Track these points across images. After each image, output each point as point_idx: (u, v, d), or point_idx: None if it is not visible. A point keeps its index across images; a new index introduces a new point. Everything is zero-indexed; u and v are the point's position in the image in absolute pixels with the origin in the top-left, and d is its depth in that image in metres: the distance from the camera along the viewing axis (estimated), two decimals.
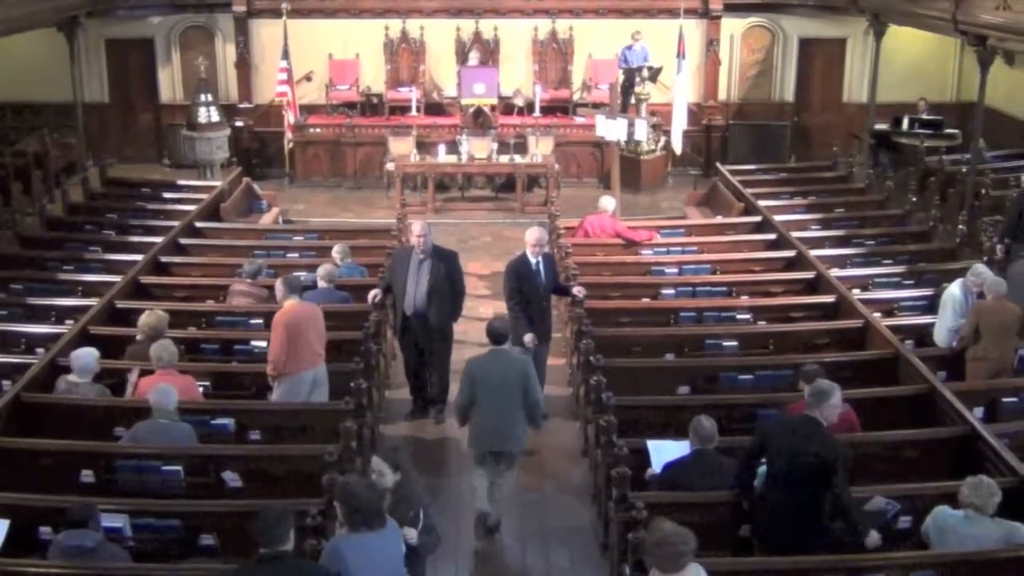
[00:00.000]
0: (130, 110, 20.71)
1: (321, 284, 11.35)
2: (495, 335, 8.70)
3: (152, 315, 9.62)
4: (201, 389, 9.29)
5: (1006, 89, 18.60)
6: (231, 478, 7.98)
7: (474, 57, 19.55)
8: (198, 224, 14.88)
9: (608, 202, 14.02)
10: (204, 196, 16.16)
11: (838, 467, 6.88)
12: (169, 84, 20.53)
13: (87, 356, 8.97)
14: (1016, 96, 18.89)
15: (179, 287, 12.55)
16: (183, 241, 14.09)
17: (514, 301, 10.35)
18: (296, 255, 13.74)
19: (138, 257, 13.02)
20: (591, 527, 8.87)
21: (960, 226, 13.85)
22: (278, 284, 9.66)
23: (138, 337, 9.62)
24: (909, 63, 20.12)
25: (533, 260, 10.45)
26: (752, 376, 9.92)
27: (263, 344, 9.77)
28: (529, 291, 10.36)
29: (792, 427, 7.18)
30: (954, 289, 10.64)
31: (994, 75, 16.01)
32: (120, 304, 11.43)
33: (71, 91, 18.53)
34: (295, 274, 10.31)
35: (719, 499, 7.49)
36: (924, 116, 19.15)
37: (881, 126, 19.18)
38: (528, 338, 10.17)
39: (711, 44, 20.10)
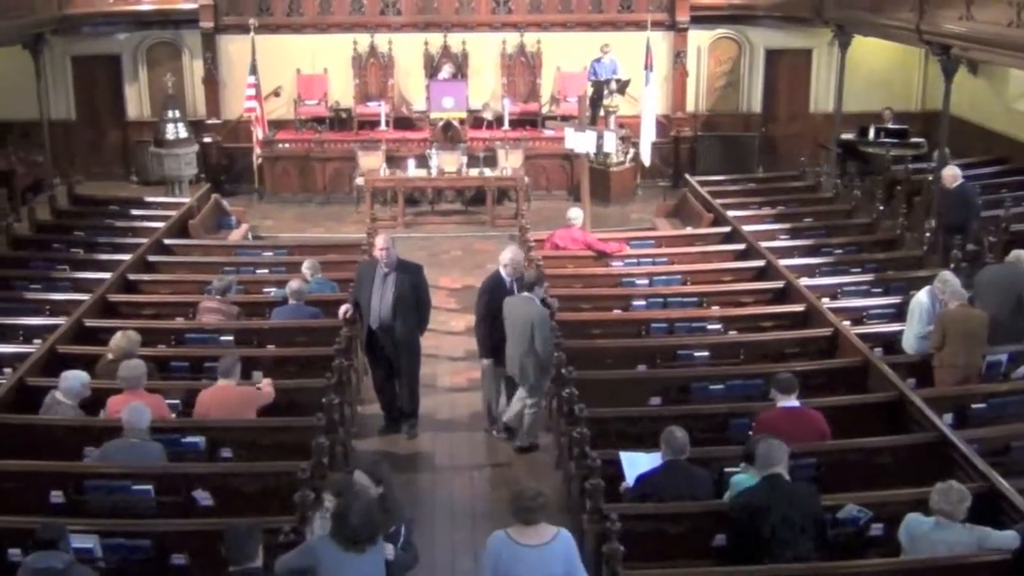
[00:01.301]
0: (97, 127, 20.59)
1: (291, 300, 11.30)
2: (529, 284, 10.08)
3: (124, 336, 9.55)
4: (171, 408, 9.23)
5: (970, 98, 18.79)
6: (202, 497, 7.93)
7: (443, 71, 19.54)
8: (167, 241, 14.77)
9: (576, 213, 14.04)
10: (172, 213, 16.05)
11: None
12: (136, 101, 20.42)
13: (74, 379, 8.86)
14: (980, 104, 19.09)
15: (148, 305, 12.45)
16: (152, 258, 13.98)
17: (484, 323, 10.39)
18: (266, 271, 13.70)
19: (106, 275, 12.92)
20: None
21: (927, 234, 13.95)
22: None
23: (109, 356, 9.55)
24: (874, 73, 20.27)
25: (507, 280, 10.46)
26: (723, 386, 9.93)
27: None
28: (498, 310, 10.34)
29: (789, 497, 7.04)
30: (922, 296, 10.68)
31: (958, 84, 16.15)
32: (89, 323, 11.33)
33: (37, 108, 18.40)
34: (229, 359, 9.44)
35: (693, 509, 7.50)
36: (890, 125, 19.33)
37: (847, 136, 19.33)
38: (487, 363, 10.29)
39: (678, 56, 20.19)
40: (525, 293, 10.17)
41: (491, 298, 10.39)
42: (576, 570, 6.41)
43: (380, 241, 10.33)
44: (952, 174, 14.09)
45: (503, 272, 10.48)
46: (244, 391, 9.10)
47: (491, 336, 10.36)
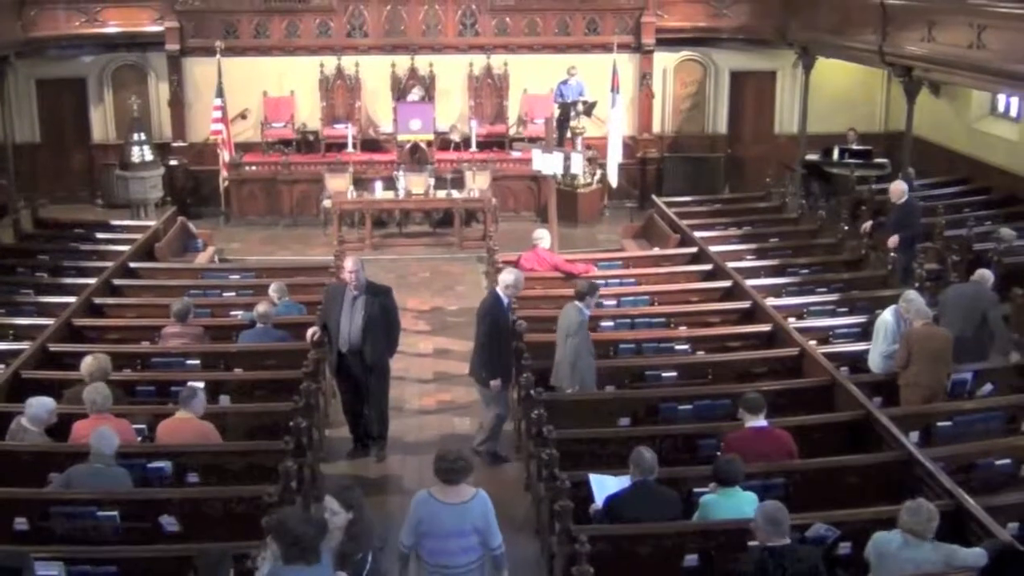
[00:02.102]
0: (62, 150, 20.46)
1: (258, 323, 11.26)
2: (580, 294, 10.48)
3: (95, 359, 9.45)
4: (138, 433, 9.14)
5: (932, 118, 19.03)
6: (168, 522, 7.86)
7: (410, 93, 19.55)
8: (132, 264, 14.70)
9: (542, 234, 14.07)
10: (138, 236, 15.96)
11: None
12: (101, 124, 20.35)
13: (39, 407, 8.73)
14: (942, 125, 19.32)
15: (113, 329, 12.36)
16: (117, 282, 13.90)
17: (491, 344, 10.43)
18: (232, 294, 13.62)
19: (71, 299, 12.82)
20: (535, 562, 8.82)
21: (891, 253, 14.07)
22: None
23: (86, 380, 9.44)
24: (838, 94, 20.47)
25: (506, 300, 10.54)
26: (691, 406, 9.94)
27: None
28: (502, 330, 10.45)
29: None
30: (887, 316, 10.76)
31: (921, 105, 16.37)
32: (53, 347, 11.23)
33: (1, 132, 18.27)
34: (191, 386, 9.25)
35: (663, 530, 7.50)
36: (854, 146, 19.49)
37: (812, 157, 19.48)
38: (496, 384, 10.37)
39: (644, 78, 20.31)
40: (576, 302, 10.46)
41: (493, 319, 10.44)
42: (491, 527, 6.89)
43: (349, 264, 10.30)
44: (899, 189, 14.21)
45: (502, 293, 10.51)
46: (200, 428, 8.91)
47: (500, 356, 10.41)
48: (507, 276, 10.64)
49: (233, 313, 12.71)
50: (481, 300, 10.86)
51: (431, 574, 6.87)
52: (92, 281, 13.59)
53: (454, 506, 6.81)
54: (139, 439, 9.08)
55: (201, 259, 16.40)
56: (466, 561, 6.83)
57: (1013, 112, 17.99)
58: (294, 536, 5.98)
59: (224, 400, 9.99)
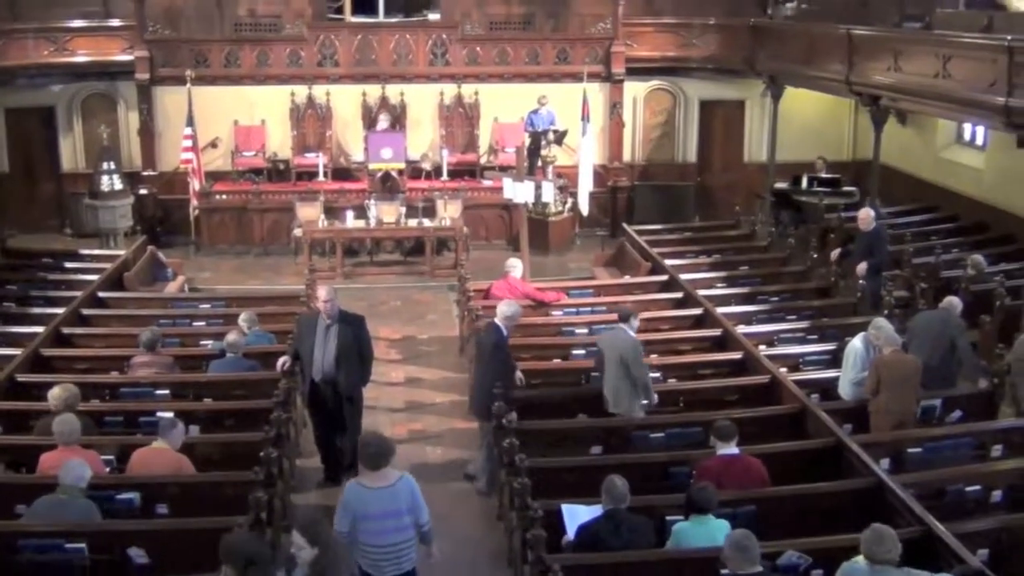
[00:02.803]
0: (31, 179, 20.34)
1: (228, 353, 11.19)
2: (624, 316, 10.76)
3: (62, 389, 9.36)
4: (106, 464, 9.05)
5: (899, 147, 19.19)
6: (137, 555, 7.76)
7: (381, 122, 19.56)
8: (101, 294, 14.58)
9: (514, 263, 14.08)
10: (107, 265, 15.86)
11: None
12: (71, 153, 20.25)
13: None
14: (909, 154, 19.50)
15: (82, 359, 12.25)
16: (86, 312, 13.79)
17: (506, 374, 10.54)
18: (202, 323, 13.56)
19: (39, 329, 12.70)
20: None
21: (860, 281, 14.15)
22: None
23: (54, 410, 9.33)
24: (806, 123, 20.62)
25: (505, 332, 10.61)
26: (663, 434, 9.94)
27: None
28: (508, 362, 10.65)
29: None
30: (856, 343, 10.80)
31: (888, 134, 16.49)
32: (21, 378, 11.13)
33: None
34: (171, 417, 9.19)
35: (635, 558, 7.48)
36: (822, 175, 19.61)
37: (781, 185, 19.57)
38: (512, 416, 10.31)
39: (615, 107, 20.39)
40: (620, 324, 10.67)
41: (504, 352, 10.61)
42: (419, 505, 7.39)
43: (323, 293, 10.26)
44: (868, 216, 14.26)
45: (502, 325, 10.60)
46: (174, 460, 8.83)
47: (509, 389, 10.49)
48: (507, 308, 10.72)
49: (203, 342, 12.65)
50: (480, 334, 10.85)
51: (371, 555, 7.29)
52: (61, 311, 13.47)
53: (383, 490, 7.25)
54: (107, 470, 8.99)
55: (171, 288, 16.27)
56: (402, 539, 7.30)
57: (979, 141, 18.15)
58: (246, 557, 5.93)
59: (194, 430, 9.90)
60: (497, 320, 10.66)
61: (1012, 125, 12.70)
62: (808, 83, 18.34)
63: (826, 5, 19.30)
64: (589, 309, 14.01)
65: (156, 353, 11.32)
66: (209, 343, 12.44)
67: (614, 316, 13.37)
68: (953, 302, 11.33)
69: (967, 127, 18.34)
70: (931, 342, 11.00)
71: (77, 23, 19.62)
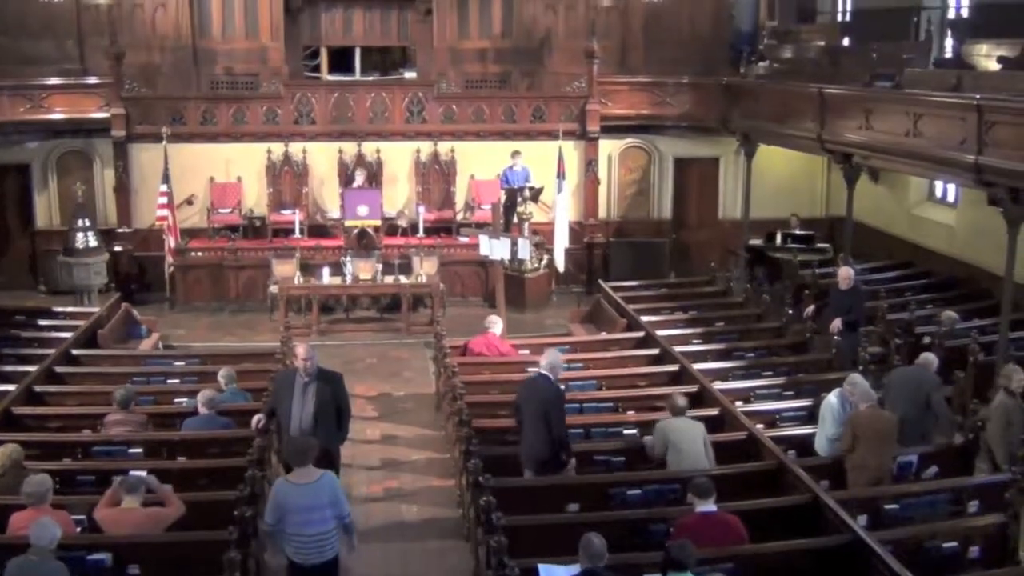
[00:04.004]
0: (4, 236, 20.27)
1: (202, 411, 11.10)
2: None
3: (6, 448, 9.27)
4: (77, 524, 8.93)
5: (872, 204, 19.35)
6: None
7: (358, 179, 19.62)
8: (74, 352, 14.47)
9: (495, 320, 14.13)
10: (81, 323, 15.74)
11: None
12: (45, 210, 20.17)
13: None
14: (882, 210, 19.67)
15: (54, 417, 12.12)
16: (59, 369, 13.65)
17: (563, 422, 10.41)
18: (176, 381, 13.43)
19: (11, 387, 12.55)
20: None
21: (835, 337, 14.21)
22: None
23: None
24: (780, 180, 20.78)
25: (553, 378, 10.50)
26: (641, 491, 9.89)
27: None
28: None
29: None
30: (832, 399, 10.83)
31: (861, 191, 16.65)
32: None
33: None
34: (133, 477, 9.11)
35: None
36: (796, 231, 19.74)
37: (756, 241, 19.70)
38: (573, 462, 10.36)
39: (590, 164, 20.50)
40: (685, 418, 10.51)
41: (562, 401, 10.47)
42: (339, 500, 8.29)
43: (302, 351, 10.14)
44: (848, 274, 14.34)
45: (550, 375, 10.44)
46: (149, 513, 8.75)
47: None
48: (553, 358, 10.57)
49: (177, 400, 12.53)
50: (533, 388, 10.47)
51: (296, 544, 8.17)
52: (33, 369, 13.35)
53: (306, 485, 8.17)
54: (78, 530, 8.87)
55: (145, 346, 16.17)
56: (323, 530, 8.19)
57: (950, 198, 18.34)
58: None
59: (168, 488, 9.79)
60: (544, 371, 10.51)
61: (982, 182, 12.82)
62: (781, 141, 18.52)
63: (797, 64, 19.53)
64: (565, 366, 13.82)
65: (130, 411, 11.24)
66: (183, 401, 12.31)
67: (591, 372, 13.56)
68: (929, 358, 11.38)
69: (938, 184, 18.51)
70: (907, 398, 11.03)
71: (54, 80, 19.68)
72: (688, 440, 10.27)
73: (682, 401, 10.52)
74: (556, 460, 10.27)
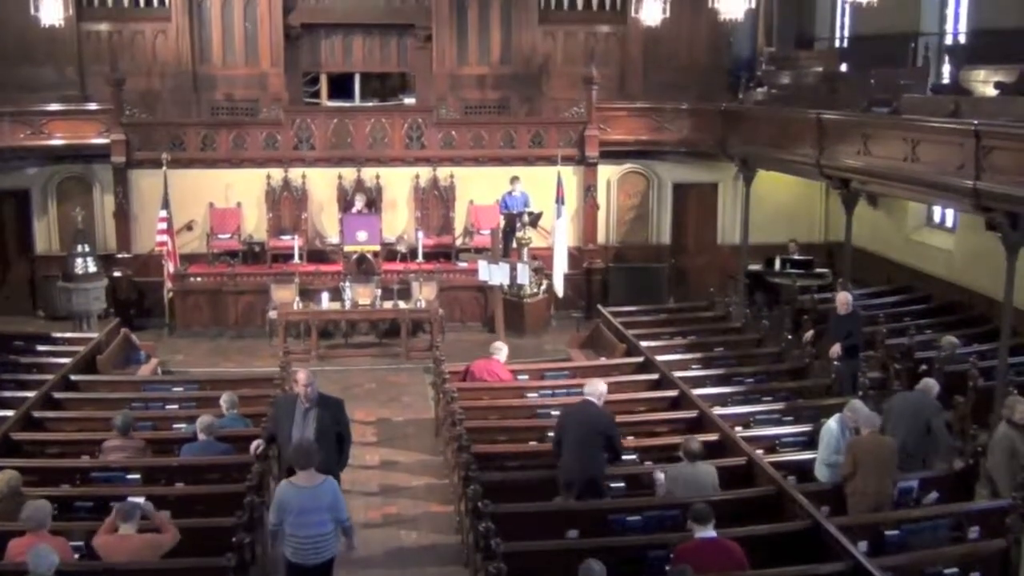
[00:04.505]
0: (3, 262, 20.26)
1: (201, 436, 11.06)
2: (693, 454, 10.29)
3: (5, 475, 9.25)
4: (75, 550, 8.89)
5: (871, 229, 19.37)
6: None
7: (357, 204, 19.64)
8: (73, 377, 14.41)
9: (500, 346, 14.13)
10: (80, 348, 15.69)
11: None
12: (45, 235, 20.17)
13: None
14: (880, 235, 19.68)
15: (52, 443, 12.09)
16: (57, 395, 13.60)
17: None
18: (175, 406, 13.38)
19: (9, 413, 12.51)
20: None
21: (835, 362, 14.19)
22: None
23: None
24: (778, 206, 20.77)
25: (599, 403, 10.64)
26: (640, 517, 9.85)
27: None
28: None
29: None
30: (831, 424, 10.81)
31: (859, 216, 16.64)
32: None
33: None
34: (128, 504, 9.00)
35: None
36: (795, 256, 19.73)
37: (755, 267, 19.69)
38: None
39: (589, 190, 20.51)
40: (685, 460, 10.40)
41: (613, 424, 10.65)
42: (339, 504, 8.70)
43: (303, 377, 10.10)
44: (846, 300, 14.33)
45: (598, 401, 10.59)
46: (145, 539, 8.71)
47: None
48: (599, 387, 10.73)
49: (176, 426, 12.48)
50: (583, 414, 10.54)
51: (294, 545, 8.58)
52: (31, 394, 13.30)
53: (308, 489, 8.58)
54: (76, 556, 8.84)
55: (144, 371, 16.12)
56: (321, 532, 8.57)
57: (949, 223, 18.33)
58: None
59: (164, 515, 9.76)
60: (592, 398, 10.59)
61: (980, 208, 12.79)
62: (779, 166, 18.52)
63: (795, 90, 19.52)
64: (565, 391, 13.87)
65: (128, 437, 11.19)
66: (182, 426, 12.27)
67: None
68: (930, 384, 11.38)
69: (937, 209, 18.50)
70: (907, 423, 11.02)
71: (54, 106, 19.74)
72: (695, 490, 10.14)
73: (696, 446, 10.38)
74: (597, 485, 10.38)
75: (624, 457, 11.44)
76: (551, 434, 11.04)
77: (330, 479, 8.81)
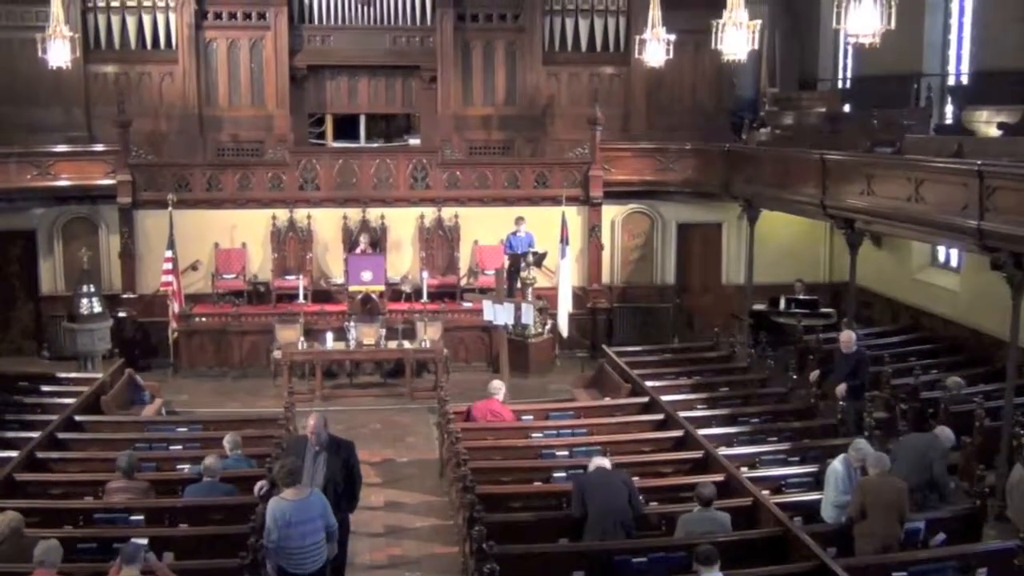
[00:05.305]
0: (9, 302, 20.25)
1: (205, 477, 11.03)
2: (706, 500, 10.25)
3: (6, 516, 9.15)
4: None
5: (875, 269, 19.33)
6: None
7: (362, 245, 19.66)
8: (77, 418, 14.35)
9: (498, 386, 14.09)
10: (84, 389, 15.63)
11: None
12: (51, 275, 20.17)
13: None
14: (885, 275, 19.65)
15: (56, 484, 12.02)
16: (61, 436, 13.55)
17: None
18: (179, 447, 13.32)
19: (12, 453, 12.46)
20: None
21: (840, 402, 14.15)
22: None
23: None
24: (783, 245, 20.78)
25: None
26: (646, 559, 9.79)
27: None
28: None
29: None
30: (837, 465, 10.77)
31: (864, 256, 16.59)
32: None
33: None
34: (132, 546, 8.78)
35: None
36: (800, 296, 19.66)
37: (759, 306, 19.63)
38: None
39: (593, 230, 20.55)
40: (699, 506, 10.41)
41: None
42: (328, 513, 9.10)
43: (311, 422, 10.08)
44: (850, 339, 14.32)
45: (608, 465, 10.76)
46: None
47: None
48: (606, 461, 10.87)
49: (180, 467, 12.44)
50: (605, 478, 10.61)
51: (295, 556, 8.93)
52: (35, 435, 13.23)
53: (300, 502, 8.95)
54: None
55: (148, 412, 16.03)
56: (315, 541, 8.99)
57: (954, 263, 18.31)
58: None
59: (168, 557, 9.72)
60: (605, 464, 10.77)
61: (985, 248, 12.77)
62: (783, 206, 18.51)
63: (799, 131, 19.57)
64: (570, 431, 13.89)
65: (132, 478, 11.15)
66: (186, 467, 12.24)
67: (595, 438, 13.46)
68: (945, 431, 11.39)
69: (941, 249, 18.49)
70: (910, 463, 10.98)
71: (61, 148, 19.83)
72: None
73: (708, 491, 10.31)
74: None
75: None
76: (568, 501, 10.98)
77: (316, 492, 9.23)
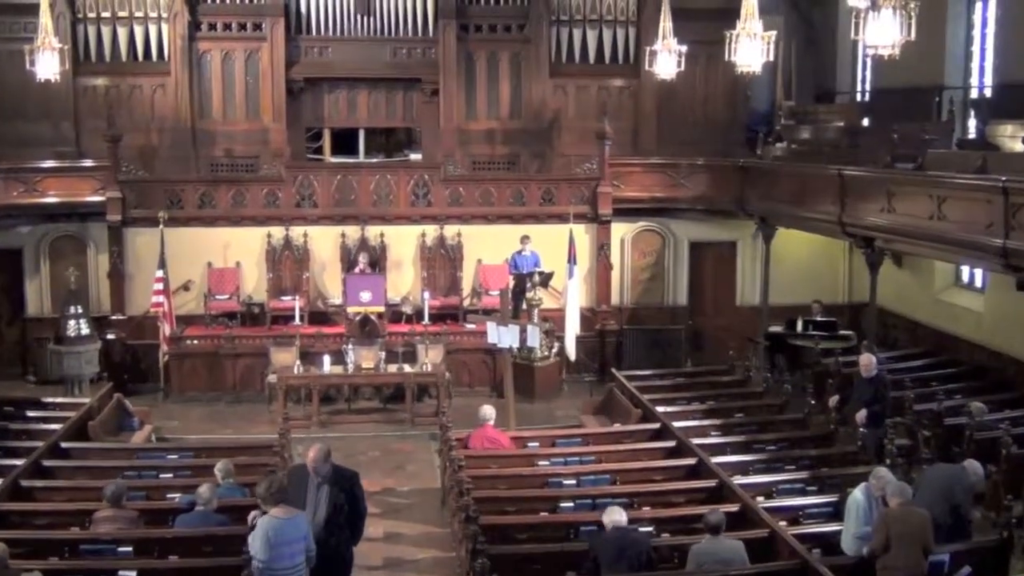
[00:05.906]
0: None
1: (197, 507, 10.71)
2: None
3: None
4: None
5: (896, 289, 19.21)
6: None
7: (360, 264, 19.36)
8: (64, 444, 14.12)
9: (488, 412, 13.86)
10: (71, 414, 15.41)
11: None
12: (36, 296, 19.85)
13: None
14: (906, 296, 19.46)
15: (41, 514, 11.72)
16: (47, 463, 13.30)
17: None
18: (170, 475, 13.04)
19: None
20: None
21: (860, 429, 13.75)
22: None
23: None
24: (799, 265, 20.63)
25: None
26: None
27: None
28: None
29: None
30: (858, 494, 10.54)
31: (884, 276, 16.57)
32: None
33: None
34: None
35: None
36: (818, 318, 19.38)
37: (776, 328, 19.40)
38: None
39: (602, 248, 20.27)
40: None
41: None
42: (310, 537, 9.11)
43: (312, 454, 9.76)
44: (869, 362, 14.09)
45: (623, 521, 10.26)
46: None
47: None
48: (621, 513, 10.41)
49: (170, 496, 12.17)
50: (621, 540, 10.14)
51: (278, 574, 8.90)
52: (20, 462, 12.98)
53: (288, 520, 8.95)
54: None
55: (138, 438, 15.78)
56: (301, 560, 9.01)
57: (978, 283, 18.08)
58: None
59: None
60: (620, 523, 10.21)
61: (1010, 267, 12.66)
62: (800, 224, 18.40)
63: (816, 145, 19.40)
64: (577, 459, 13.64)
65: (120, 507, 10.89)
66: (176, 496, 11.95)
67: (604, 466, 13.02)
68: (973, 465, 11.06)
69: (965, 269, 18.30)
70: (933, 494, 10.69)
71: (48, 163, 19.61)
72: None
73: (716, 519, 10.05)
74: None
75: (640, 528, 11.05)
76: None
77: (300, 513, 9.21)
